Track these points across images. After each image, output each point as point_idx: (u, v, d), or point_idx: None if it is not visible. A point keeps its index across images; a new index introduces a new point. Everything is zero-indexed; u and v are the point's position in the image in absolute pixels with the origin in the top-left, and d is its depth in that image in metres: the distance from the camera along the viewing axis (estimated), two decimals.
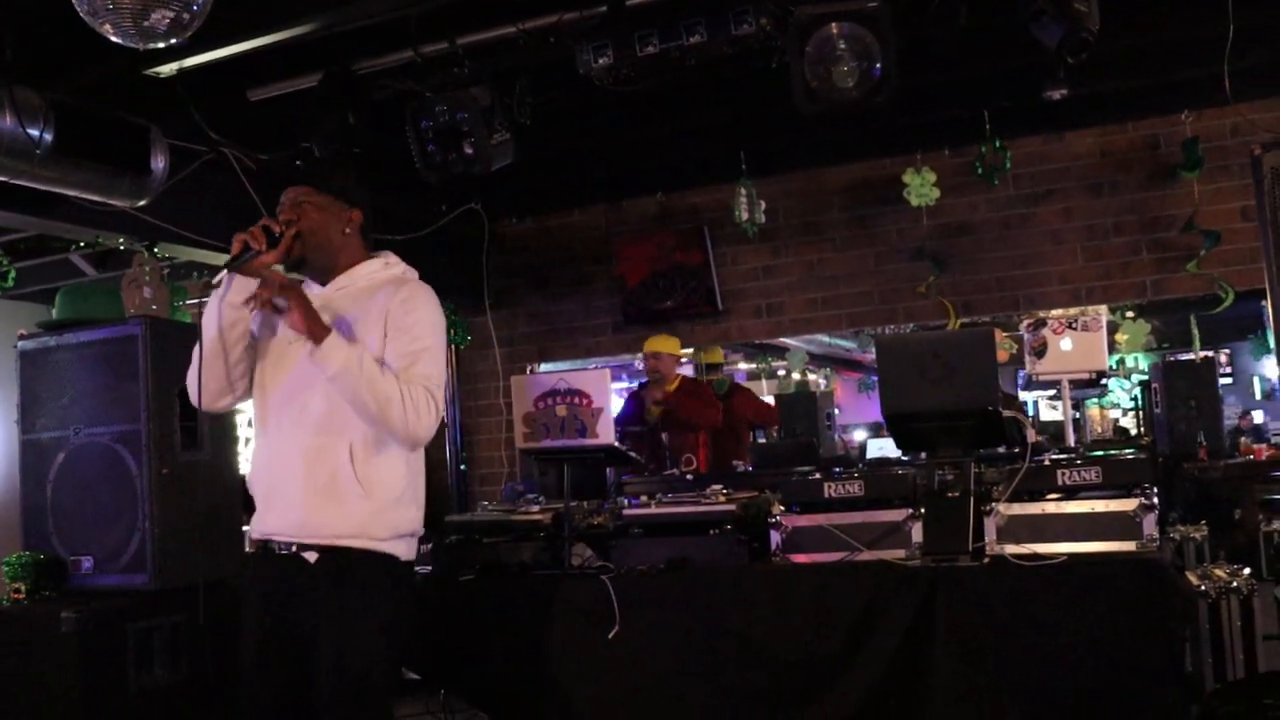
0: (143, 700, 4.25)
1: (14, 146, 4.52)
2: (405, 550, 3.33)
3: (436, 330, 3.37)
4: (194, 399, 3.36)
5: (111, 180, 5.03)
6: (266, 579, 3.32)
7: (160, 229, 5.78)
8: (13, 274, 7.84)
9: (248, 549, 3.39)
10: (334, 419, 3.23)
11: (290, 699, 3.26)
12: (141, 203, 5.28)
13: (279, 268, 3.32)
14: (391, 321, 3.27)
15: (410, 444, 3.28)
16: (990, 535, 4.03)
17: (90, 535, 4.51)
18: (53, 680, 4.14)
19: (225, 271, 3.26)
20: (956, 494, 4.14)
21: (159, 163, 5.13)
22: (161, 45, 3.54)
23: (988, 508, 4.07)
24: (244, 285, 3.27)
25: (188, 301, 6.20)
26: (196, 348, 3.30)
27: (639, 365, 9.45)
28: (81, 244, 7.22)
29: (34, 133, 4.56)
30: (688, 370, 8.82)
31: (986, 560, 3.98)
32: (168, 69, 4.76)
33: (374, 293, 3.35)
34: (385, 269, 3.47)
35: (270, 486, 3.32)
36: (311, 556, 3.22)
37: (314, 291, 3.40)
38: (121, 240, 6.31)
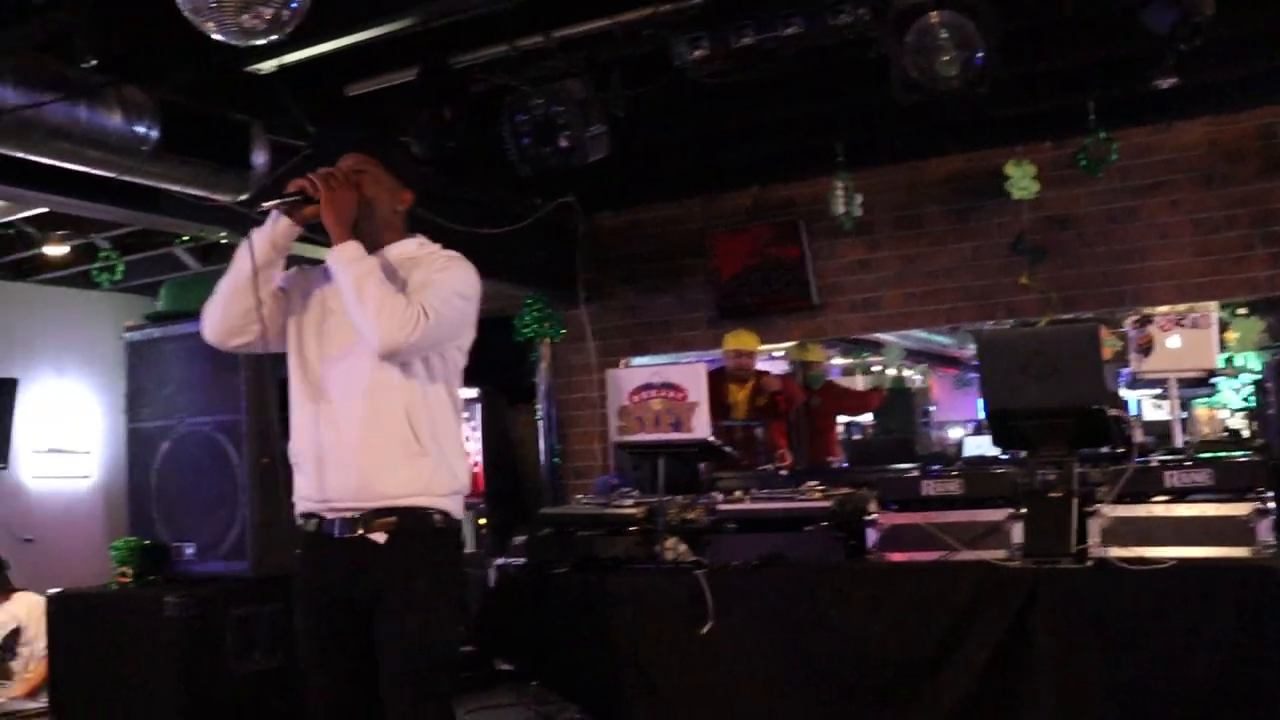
0: (241, 684, 4.31)
1: (122, 144, 4.62)
2: (456, 507, 3.28)
3: (460, 280, 3.29)
4: (205, 333, 3.35)
5: (214, 175, 5.12)
6: (323, 561, 3.26)
7: (261, 222, 5.85)
8: (120, 267, 8.03)
9: (298, 521, 3.31)
10: (383, 382, 3.18)
11: (351, 689, 3.22)
12: (243, 197, 5.35)
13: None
14: (429, 276, 3.24)
15: (382, 348, 3.14)
16: (1094, 537, 3.94)
17: (193, 522, 4.59)
18: (156, 662, 4.22)
19: (273, 209, 3.23)
20: (1059, 494, 4.04)
21: (260, 158, 5.21)
22: (262, 42, 3.58)
23: (1091, 509, 3.99)
24: (289, 230, 3.23)
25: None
26: (224, 279, 3.28)
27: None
28: (185, 238, 7.36)
29: (141, 130, 4.65)
30: (767, 365, 8.71)
31: (1089, 563, 3.88)
32: (268, 65, 4.83)
33: (413, 267, 3.29)
34: (423, 247, 3.41)
35: (322, 453, 3.24)
36: (379, 538, 3.16)
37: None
38: (223, 234, 6.41)
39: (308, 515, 3.28)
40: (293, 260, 3.42)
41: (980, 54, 4.24)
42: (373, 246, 3.31)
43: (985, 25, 4.23)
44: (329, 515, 3.22)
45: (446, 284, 3.24)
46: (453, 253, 3.40)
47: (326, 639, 3.25)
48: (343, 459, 3.20)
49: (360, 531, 3.17)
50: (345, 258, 3.14)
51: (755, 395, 7.38)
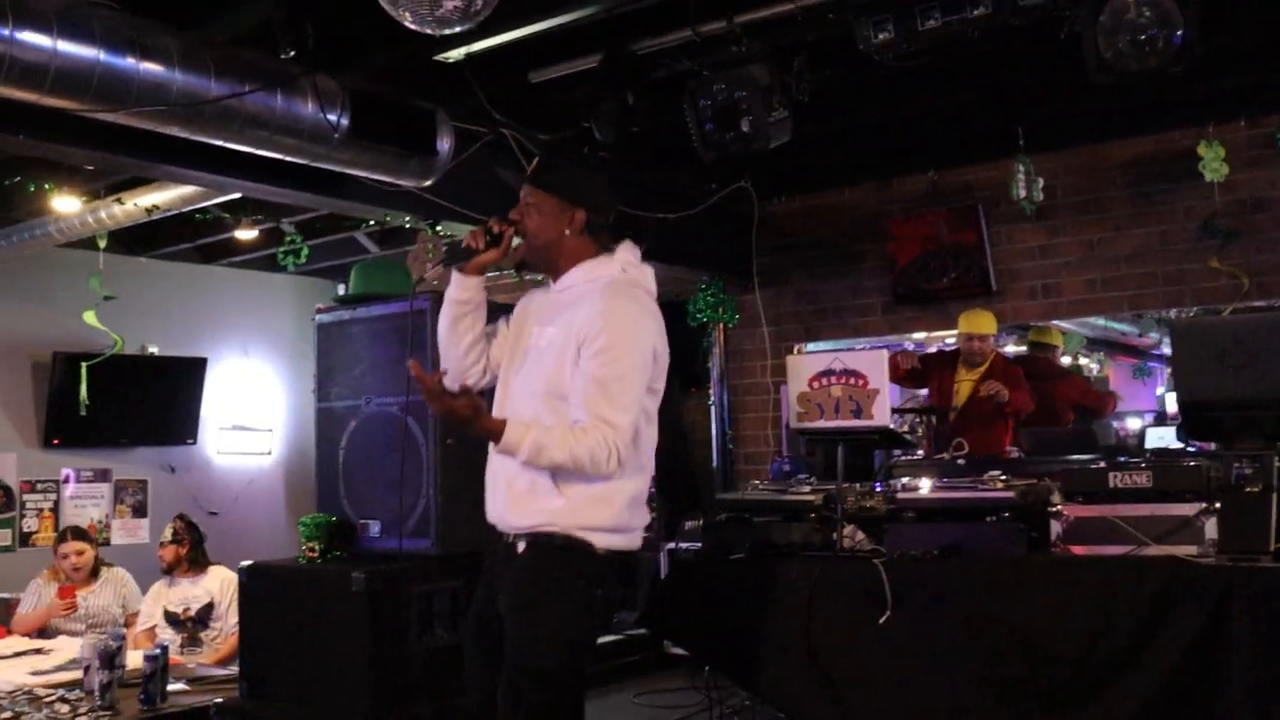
0: (423, 659, 4.40)
1: (315, 131, 4.77)
2: (602, 541, 3.30)
3: (632, 345, 3.27)
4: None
5: (400, 162, 5.24)
6: (490, 559, 3.49)
7: (442, 208, 6.00)
8: (305, 251, 8.28)
9: None
10: (537, 423, 3.28)
11: (496, 674, 3.34)
12: (427, 183, 5.48)
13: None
14: (584, 336, 3.24)
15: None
16: None
17: (378, 500, 4.69)
18: (343, 635, 4.33)
19: (440, 267, 3.48)
20: (1257, 489, 3.88)
21: (444, 144, 5.32)
22: (457, 30, 3.64)
23: None
24: (465, 283, 3.44)
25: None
26: None
27: (908, 346, 9.27)
28: (370, 222, 7.56)
29: (332, 118, 4.79)
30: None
31: None
32: (455, 54, 4.91)
33: (583, 299, 3.33)
34: (599, 268, 3.41)
35: (491, 478, 3.45)
36: (521, 546, 3.32)
37: (549, 291, 3.50)
38: (407, 219, 6.57)
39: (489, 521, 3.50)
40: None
41: (1179, 32, 4.09)
42: (553, 272, 3.47)
43: (1185, 2, 4.08)
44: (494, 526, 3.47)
45: (612, 374, 3.22)
46: (627, 280, 3.40)
47: (477, 629, 3.50)
48: (497, 487, 3.41)
49: (511, 538, 3.37)
50: (511, 452, 3.20)
51: (983, 381, 7.13)
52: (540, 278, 3.58)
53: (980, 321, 7.20)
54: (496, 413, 3.41)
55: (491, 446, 3.31)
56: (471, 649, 3.51)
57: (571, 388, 3.25)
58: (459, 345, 3.49)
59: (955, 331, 7.37)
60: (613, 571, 3.36)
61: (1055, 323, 8.14)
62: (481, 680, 3.42)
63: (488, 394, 3.53)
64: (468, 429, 3.21)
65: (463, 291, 3.45)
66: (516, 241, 3.46)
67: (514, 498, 3.32)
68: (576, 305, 3.33)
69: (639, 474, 3.39)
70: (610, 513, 3.31)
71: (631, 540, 3.39)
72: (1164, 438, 9.17)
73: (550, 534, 3.27)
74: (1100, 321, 9.93)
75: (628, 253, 3.47)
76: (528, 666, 3.22)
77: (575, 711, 3.31)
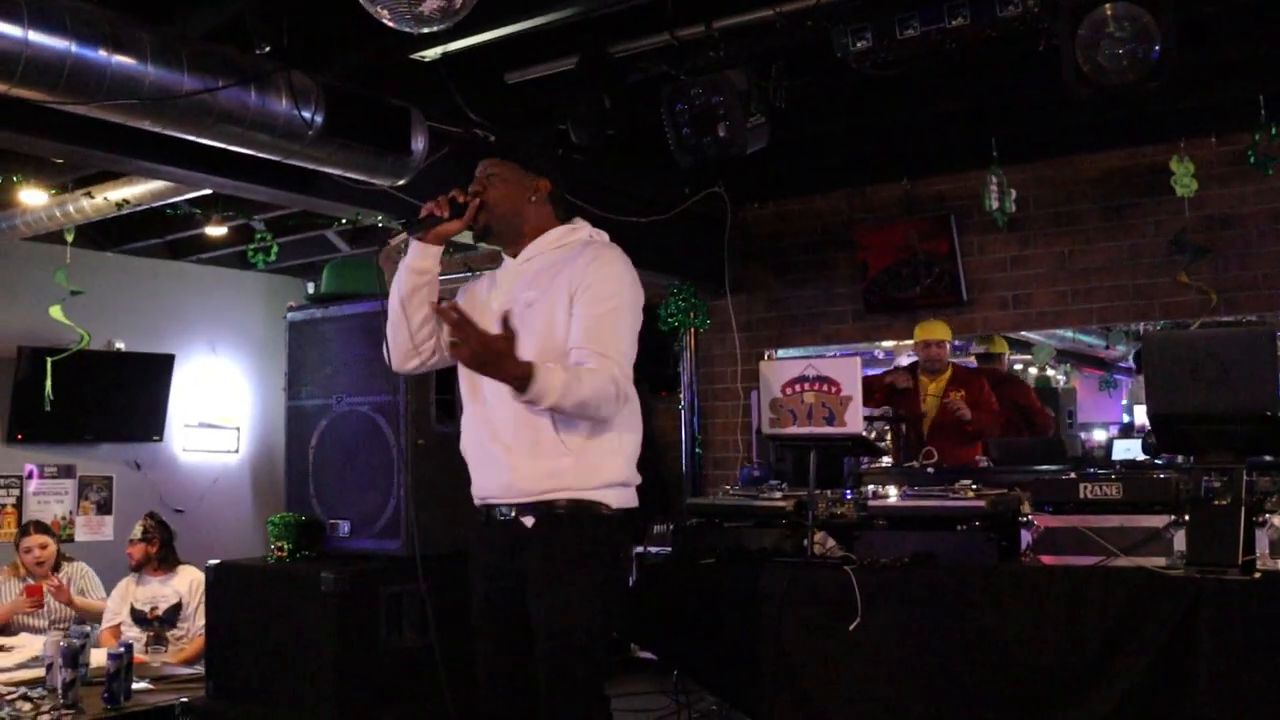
0: (392, 660, 4.38)
1: (288, 128, 4.73)
2: (615, 498, 3.30)
3: (624, 289, 3.32)
4: (389, 362, 3.52)
5: (374, 160, 5.21)
6: (488, 545, 3.41)
7: (415, 208, 5.92)
8: (275, 248, 8.24)
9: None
10: None
11: (514, 663, 3.35)
12: (400, 182, 5.45)
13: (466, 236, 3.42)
14: (576, 285, 3.25)
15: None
16: (1263, 548, 3.80)
17: (348, 500, 4.66)
18: (311, 635, 4.31)
19: (406, 236, 3.38)
20: (1226, 501, 3.90)
21: (419, 144, 5.29)
22: (436, 29, 3.63)
23: (1260, 519, 3.84)
24: (425, 251, 3.38)
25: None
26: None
27: (879, 354, 9.30)
28: (341, 221, 7.52)
29: (306, 115, 4.76)
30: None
31: (1258, 575, 3.74)
32: (432, 53, 4.90)
33: (562, 260, 3.35)
34: (571, 234, 3.44)
35: (481, 451, 3.39)
36: (529, 521, 3.27)
37: (506, 263, 3.48)
38: (379, 218, 6.53)
39: (479, 503, 3.44)
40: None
41: (1157, 46, 4.12)
42: (521, 241, 3.44)
43: (1163, 17, 4.11)
44: (492, 503, 3.38)
45: (607, 309, 3.25)
46: (602, 240, 3.44)
47: (489, 613, 3.41)
48: (494, 458, 3.33)
49: (514, 515, 3.30)
50: (536, 399, 3.11)
51: (949, 390, 7.23)
52: (482, 260, 3.52)
53: (934, 328, 7.34)
54: (470, 394, 3.41)
55: (485, 405, 3.32)
56: (485, 632, 3.43)
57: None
58: (414, 317, 3.41)
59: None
60: (624, 530, 3.36)
61: (1024, 333, 8.18)
62: (495, 664, 3.40)
63: (451, 376, 3.49)
64: (494, 370, 3.07)
65: (422, 260, 3.38)
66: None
67: (516, 463, 3.27)
68: (555, 268, 3.33)
69: (635, 429, 3.39)
70: (620, 464, 3.31)
71: (634, 497, 3.38)
72: (1130, 450, 9.24)
73: (556, 502, 3.24)
74: (1069, 334, 10.00)
75: (586, 224, 3.51)
76: (571, 644, 3.20)
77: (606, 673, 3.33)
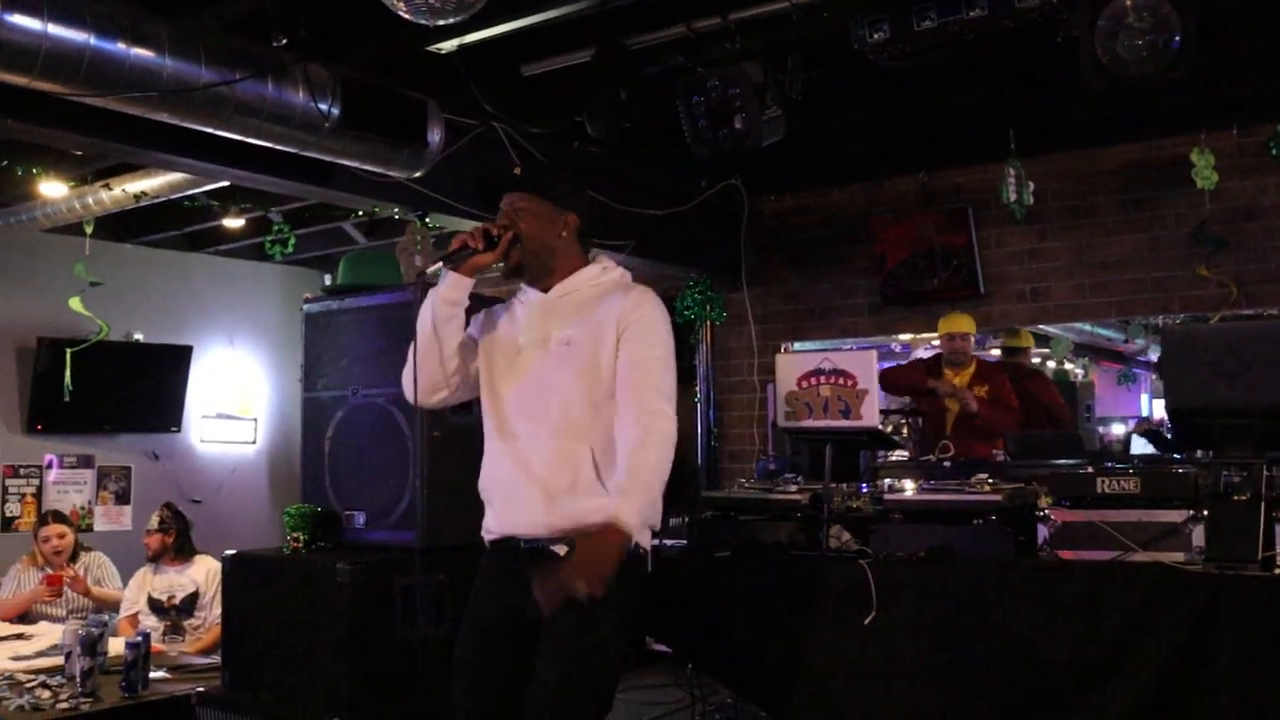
0: (406, 651, 4.38)
1: (305, 120, 4.74)
2: (645, 538, 3.28)
3: (667, 338, 3.35)
4: (408, 394, 3.42)
5: (390, 152, 5.22)
6: (507, 565, 3.35)
7: (431, 199, 5.98)
8: (293, 240, 8.25)
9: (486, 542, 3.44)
10: (573, 424, 3.26)
11: (506, 687, 3.29)
12: (417, 174, 5.46)
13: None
14: (624, 325, 3.27)
15: None
16: None
17: (363, 491, 4.67)
18: (327, 626, 4.31)
19: (442, 266, 3.36)
20: (1245, 497, 3.87)
21: (435, 136, 5.30)
22: (452, 21, 3.62)
23: None
24: (459, 283, 3.36)
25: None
26: (412, 344, 3.38)
27: (895, 348, 9.28)
28: (358, 213, 7.53)
29: (323, 107, 4.76)
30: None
31: (1278, 571, 3.71)
32: (448, 45, 4.89)
33: (600, 299, 3.35)
34: (604, 274, 3.45)
35: (510, 489, 3.34)
36: (561, 550, 3.22)
37: (532, 298, 3.45)
38: (396, 210, 6.54)
39: (495, 537, 3.40)
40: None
41: (1177, 37, 4.09)
42: (551, 277, 3.42)
43: (1184, 7, 4.08)
44: (516, 536, 3.34)
45: (654, 356, 3.27)
46: (639, 289, 3.41)
47: (482, 654, 3.36)
48: (528, 497, 3.29)
49: (543, 544, 3.27)
50: (638, 531, 3.13)
51: (973, 385, 7.12)
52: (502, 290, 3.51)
53: (959, 322, 7.22)
54: (498, 431, 3.38)
55: (518, 442, 3.32)
56: (472, 650, 3.38)
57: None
58: (445, 347, 3.39)
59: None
60: (645, 569, 3.33)
61: (1042, 326, 8.15)
62: (479, 705, 3.35)
63: (465, 412, 3.48)
64: (608, 568, 3.06)
65: (454, 291, 3.37)
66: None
67: (552, 502, 3.25)
68: (593, 305, 3.33)
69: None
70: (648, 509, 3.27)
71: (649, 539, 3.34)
72: (1148, 444, 9.21)
73: (590, 530, 3.17)
74: (1086, 327, 9.97)
75: (611, 261, 3.52)
76: (589, 664, 3.18)
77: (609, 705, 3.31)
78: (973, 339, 7.28)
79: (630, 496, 3.10)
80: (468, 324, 3.51)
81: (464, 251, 3.33)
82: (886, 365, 7.93)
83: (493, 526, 3.40)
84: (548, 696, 3.16)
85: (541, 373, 3.32)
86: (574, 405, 3.26)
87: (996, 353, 8.54)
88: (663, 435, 3.17)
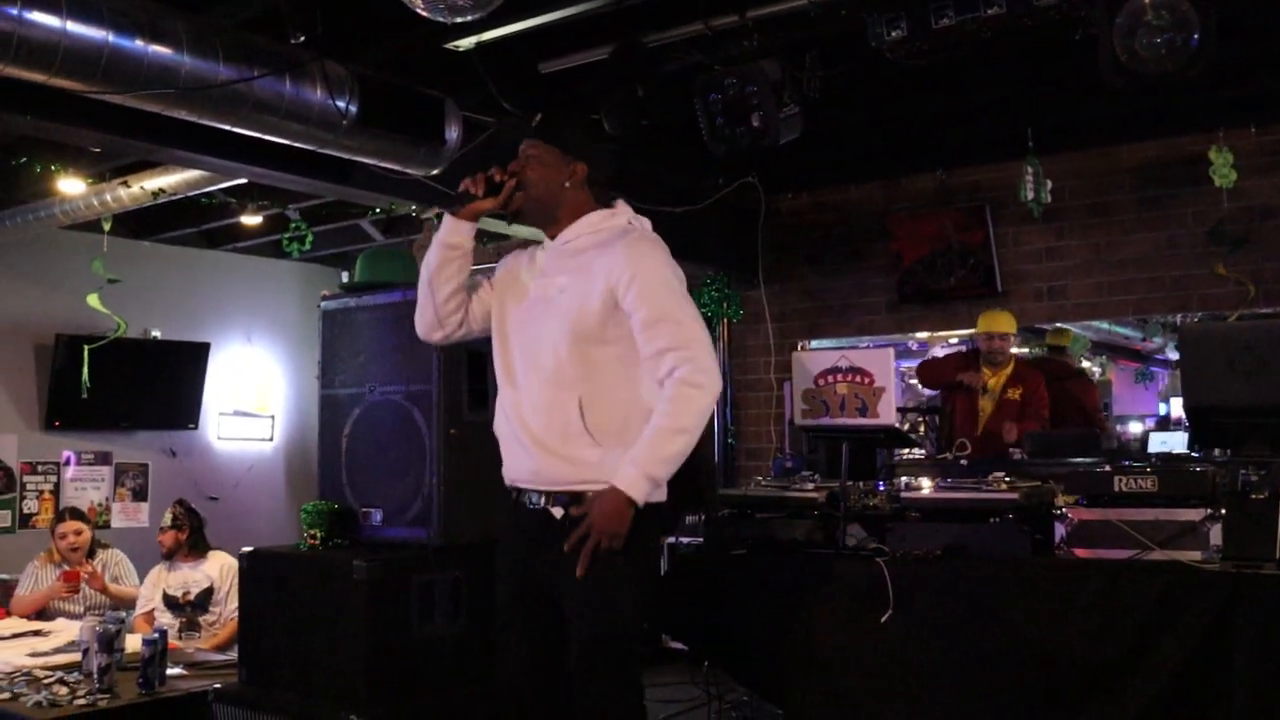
0: (423, 648, 4.38)
1: (323, 117, 4.75)
2: (659, 494, 3.26)
3: (670, 275, 3.27)
4: (418, 330, 3.57)
5: (408, 150, 5.22)
6: (516, 532, 3.40)
7: (448, 196, 5.95)
8: (310, 237, 8.27)
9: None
10: (563, 374, 3.25)
11: (544, 653, 3.34)
12: (434, 172, 5.46)
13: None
14: (618, 283, 3.22)
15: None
16: None
17: (380, 489, 4.65)
18: (344, 623, 4.31)
19: (441, 210, 3.39)
20: (1263, 496, 3.86)
21: (453, 133, 5.30)
22: (470, 18, 3.63)
23: None
24: (457, 227, 3.39)
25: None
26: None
27: (912, 345, 9.26)
28: (377, 210, 7.54)
29: (341, 104, 4.77)
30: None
31: None
32: (466, 43, 4.90)
33: (597, 248, 3.31)
34: (607, 220, 3.39)
35: (511, 435, 3.38)
36: (558, 512, 3.26)
37: (545, 245, 3.44)
38: (413, 207, 6.55)
39: (509, 487, 3.42)
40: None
41: (1196, 35, 4.07)
42: (556, 225, 3.40)
43: (1203, 6, 4.06)
44: (521, 488, 3.37)
45: (665, 303, 3.22)
46: (639, 229, 3.39)
47: (518, 602, 3.40)
48: (523, 443, 3.33)
49: (543, 504, 3.30)
50: (642, 494, 3.15)
51: (1009, 386, 7.08)
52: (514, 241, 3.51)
53: (999, 321, 7.13)
54: (505, 377, 3.41)
55: (517, 389, 3.35)
56: (511, 623, 3.42)
57: (634, 338, 3.23)
58: (442, 290, 3.43)
59: (959, 331, 7.36)
60: (651, 523, 3.29)
61: (1060, 324, 8.12)
62: (526, 657, 3.39)
63: (484, 365, 3.48)
64: (618, 527, 3.14)
65: (453, 235, 3.40)
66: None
67: (544, 452, 3.26)
68: (590, 253, 3.30)
69: None
70: None
71: (661, 492, 3.29)
72: (1166, 442, 9.18)
73: (584, 495, 3.21)
74: (1104, 325, 9.93)
75: (627, 208, 3.46)
76: (604, 631, 3.20)
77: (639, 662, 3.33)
78: (1013, 338, 7.21)
79: (633, 464, 3.13)
80: (494, 266, 3.55)
81: (463, 196, 3.35)
82: (916, 361, 7.91)
83: (504, 471, 3.45)
84: (578, 665, 3.22)
85: (540, 321, 3.32)
86: (563, 354, 3.25)
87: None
88: (685, 388, 3.15)
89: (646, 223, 3.47)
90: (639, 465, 3.13)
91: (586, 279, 3.26)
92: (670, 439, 3.14)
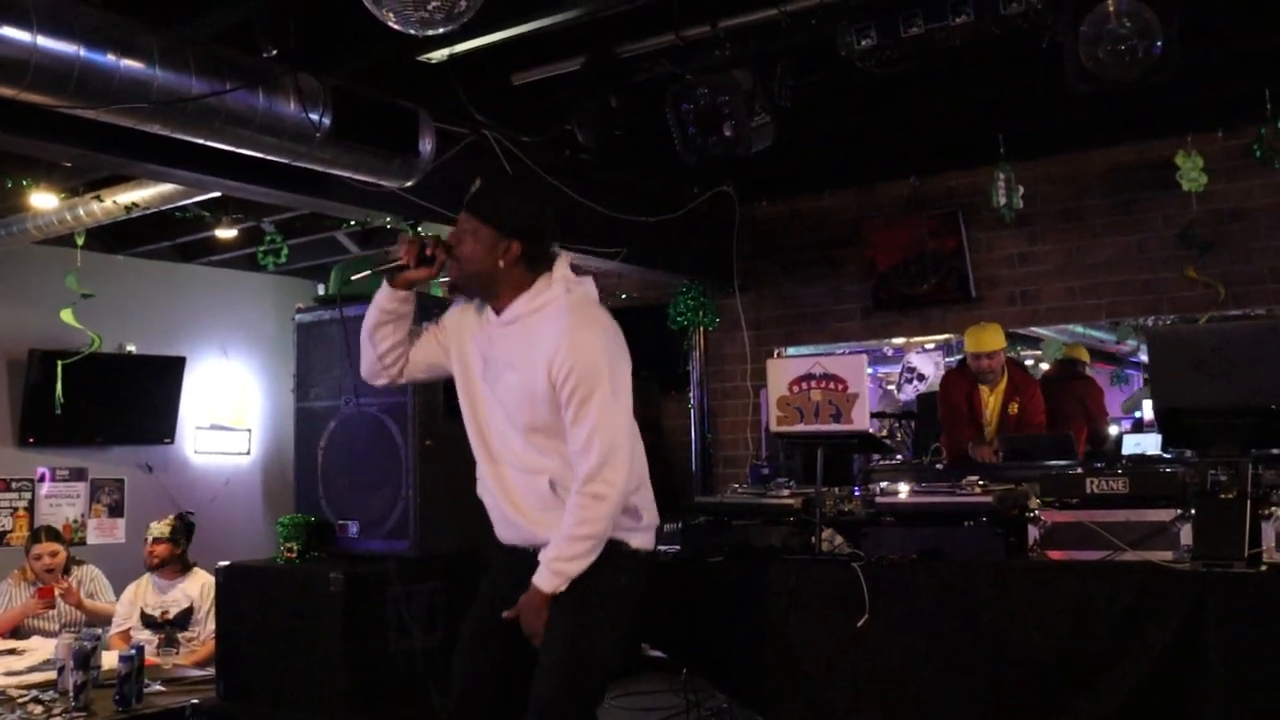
0: (399, 660, 4.40)
1: (296, 130, 4.75)
2: (638, 540, 3.40)
3: (601, 373, 3.23)
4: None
5: (382, 162, 5.23)
6: (505, 571, 3.49)
7: (424, 208, 5.99)
8: (285, 250, 8.25)
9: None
10: (529, 461, 3.36)
11: (491, 685, 3.44)
12: (409, 184, 5.47)
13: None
14: (557, 363, 3.22)
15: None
16: (1269, 541, 3.79)
17: (356, 501, 4.67)
18: (320, 636, 4.32)
19: (370, 272, 3.53)
20: (1231, 495, 3.90)
21: (426, 145, 5.31)
22: (441, 31, 3.64)
23: (1266, 512, 3.83)
24: (392, 295, 3.47)
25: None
26: None
27: (887, 351, 9.30)
28: (351, 222, 7.54)
29: (314, 117, 4.77)
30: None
31: (1264, 568, 3.74)
32: (439, 55, 4.91)
33: (537, 330, 3.31)
34: (545, 290, 3.35)
35: (495, 507, 3.48)
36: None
37: (490, 317, 3.43)
38: (388, 219, 6.55)
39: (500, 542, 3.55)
40: None
41: (1159, 42, 4.12)
42: (495, 301, 3.41)
43: (1166, 12, 4.11)
44: (514, 545, 3.49)
45: (593, 403, 3.22)
46: (572, 311, 3.32)
47: (482, 634, 3.48)
48: (508, 517, 3.45)
49: (533, 551, 3.36)
50: (557, 583, 3.26)
51: (1008, 402, 7.06)
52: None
53: (985, 339, 7.07)
54: (483, 452, 3.47)
55: (496, 464, 3.44)
56: (472, 650, 3.50)
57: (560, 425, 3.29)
58: (380, 346, 3.53)
59: (934, 337, 7.40)
60: (642, 568, 3.43)
61: (1034, 328, 8.18)
62: (468, 682, 3.47)
63: (457, 421, 3.54)
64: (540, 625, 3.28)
65: (389, 302, 3.48)
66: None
67: (530, 521, 3.37)
68: (530, 338, 3.30)
69: (642, 483, 3.45)
70: (621, 515, 3.35)
71: (650, 539, 3.46)
72: (1140, 444, 9.24)
73: None
74: (1078, 328, 9.99)
75: (564, 268, 3.41)
76: (577, 649, 3.25)
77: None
78: (1002, 354, 7.14)
79: (547, 565, 3.26)
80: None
81: (395, 266, 3.42)
82: (893, 367, 7.89)
83: (496, 534, 3.54)
84: (539, 691, 3.26)
85: (500, 406, 3.39)
86: (522, 445, 3.36)
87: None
88: (593, 514, 3.22)
89: (587, 282, 3.46)
90: (551, 566, 3.24)
91: (530, 363, 3.28)
92: (577, 543, 3.23)
